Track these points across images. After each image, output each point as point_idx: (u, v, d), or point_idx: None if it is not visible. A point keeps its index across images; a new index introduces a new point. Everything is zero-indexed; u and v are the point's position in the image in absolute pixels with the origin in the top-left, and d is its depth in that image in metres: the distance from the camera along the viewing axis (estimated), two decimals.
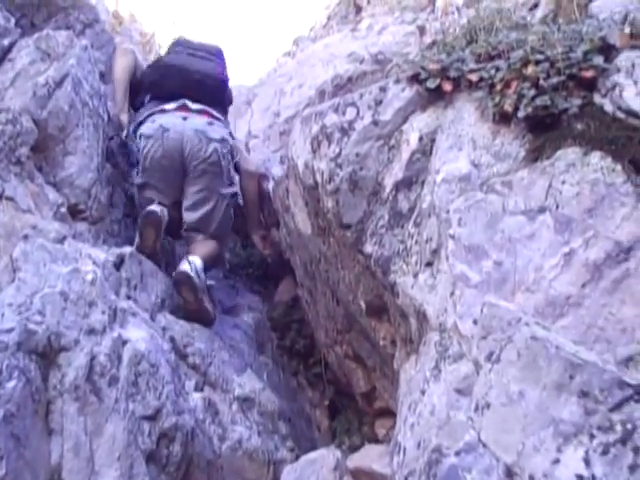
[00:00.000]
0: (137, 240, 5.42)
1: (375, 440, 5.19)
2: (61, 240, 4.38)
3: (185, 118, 5.89)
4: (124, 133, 6.00)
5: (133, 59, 6.35)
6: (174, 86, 6.03)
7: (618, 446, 2.40)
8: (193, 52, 6.32)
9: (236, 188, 6.21)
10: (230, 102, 6.63)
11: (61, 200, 4.88)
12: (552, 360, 2.61)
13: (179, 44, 6.49)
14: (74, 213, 5.04)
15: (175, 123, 5.83)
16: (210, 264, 5.71)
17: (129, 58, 6.33)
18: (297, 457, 4.73)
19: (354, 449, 4.94)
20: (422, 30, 8.08)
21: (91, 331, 3.92)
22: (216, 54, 6.47)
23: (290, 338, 6.16)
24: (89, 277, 4.11)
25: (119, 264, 4.67)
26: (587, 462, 2.42)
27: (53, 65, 5.14)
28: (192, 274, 5.28)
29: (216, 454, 4.40)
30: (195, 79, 6.10)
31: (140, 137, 5.80)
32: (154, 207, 5.44)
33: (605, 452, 2.41)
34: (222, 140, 5.95)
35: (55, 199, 4.83)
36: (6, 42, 5.15)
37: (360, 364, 5.24)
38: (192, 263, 5.36)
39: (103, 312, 4.05)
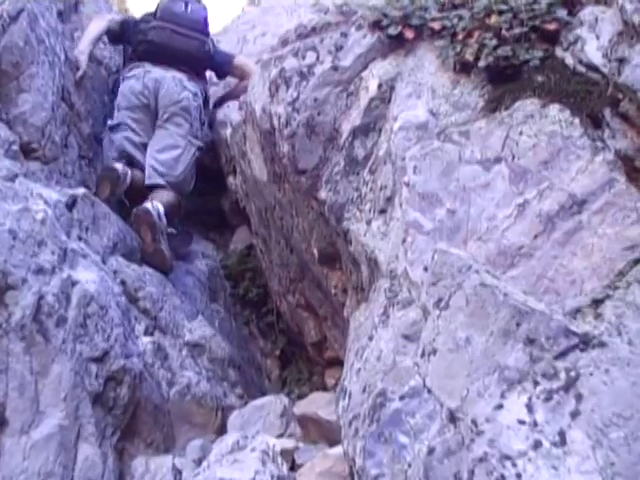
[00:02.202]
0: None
1: (324, 390, 5.20)
2: (12, 178, 4.30)
3: (167, 70, 6.29)
4: (79, 73, 6.06)
5: (107, 25, 6.60)
6: (157, 59, 6.33)
7: (561, 393, 2.41)
8: (176, 28, 6.46)
9: (202, 144, 6.30)
10: (219, 65, 6.84)
11: (13, 138, 4.81)
12: (500, 307, 2.61)
13: (164, 16, 6.55)
14: (27, 152, 4.97)
15: (157, 70, 6.26)
16: (169, 213, 5.73)
17: (104, 23, 6.60)
18: (246, 404, 4.73)
19: (303, 398, 4.95)
20: None
21: (39, 270, 3.87)
22: (200, 28, 6.61)
23: (243, 287, 6.16)
24: (39, 216, 4.05)
25: (71, 205, 4.60)
26: (530, 408, 2.42)
27: None
28: (153, 212, 5.43)
29: (164, 398, 4.37)
30: (177, 56, 6.38)
31: (123, 79, 6.29)
32: (116, 165, 5.57)
33: (548, 399, 2.41)
34: (195, 94, 6.30)
35: (7, 136, 4.75)
36: None
37: (312, 313, 5.24)
38: (154, 205, 5.50)
39: (53, 252, 4.00)
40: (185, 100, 6.19)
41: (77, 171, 5.55)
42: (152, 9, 6.69)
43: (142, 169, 5.97)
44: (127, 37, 6.62)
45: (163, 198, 5.76)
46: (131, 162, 5.95)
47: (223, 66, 6.79)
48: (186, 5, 6.61)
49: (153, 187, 5.89)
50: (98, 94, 6.24)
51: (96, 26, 6.51)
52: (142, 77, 6.21)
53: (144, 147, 6.06)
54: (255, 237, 5.87)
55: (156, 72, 6.25)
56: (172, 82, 6.21)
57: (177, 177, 5.99)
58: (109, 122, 6.13)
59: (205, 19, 6.71)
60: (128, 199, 5.77)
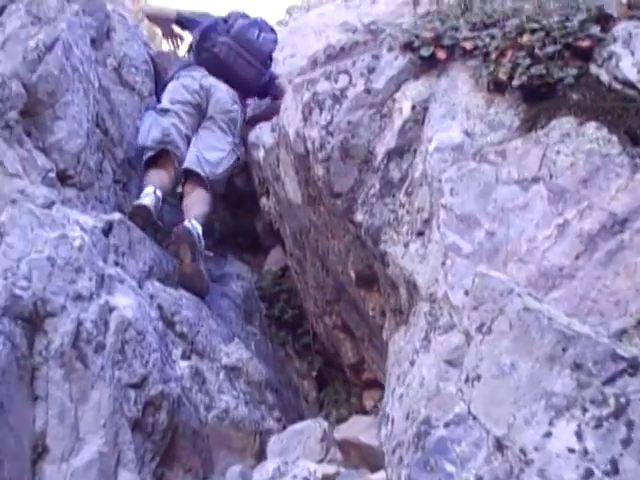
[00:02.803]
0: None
1: (363, 412, 5.18)
2: (49, 205, 4.33)
3: (222, 82, 6.51)
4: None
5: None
6: (216, 72, 6.53)
7: (611, 420, 2.38)
8: (243, 53, 6.65)
9: (240, 155, 6.45)
10: (267, 90, 7.07)
11: (50, 165, 4.83)
12: (545, 332, 2.59)
13: (237, 37, 6.71)
14: (63, 179, 4.98)
15: (214, 78, 6.48)
16: (203, 225, 5.74)
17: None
18: (284, 427, 4.72)
19: (341, 420, 4.92)
20: (416, 1, 8.03)
21: (78, 297, 3.89)
22: (263, 59, 6.79)
23: (279, 308, 6.14)
24: (77, 243, 4.07)
25: (107, 230, 4.62)
26: (579, 436, 2.40)
27: (44, 29, 5.06)
28: (194, 232, 5.44)
29: (202, 423, 4.37)
30: (234, 78, 6.56)
31: (178, 77, 6.52)
32: (145, 201, 5.51)
33: (598, 426, 2.39)
34: (242, 111, 6.62)
35: (44, 164, 4.77)
36: None
37: (349, 335, 5.22)
38: (193, 225, 5.50)
39: (90, 278, 4.02)
40: (235, 112, 6.45)
41: (112, 196, 5.56)
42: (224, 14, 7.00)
43: (181, 158, 6.08)
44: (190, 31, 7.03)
45: (199, 209, 5.83)
46: (169, 149, 6.05)
47: (269, 90, 6.99)
48: (259, 33, 6.79)
49: (190, 174, 6.04)
50: (131, 119, 6.26)
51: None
52: (199, 79, 6.43)
53: (188, 139, 6.21)
54: (290, 258, 5.87)
55: (213, 79, 6.45)
56: (226, 93, 6.44)
57: (216, 175, 6.11)
58: (159, 105, 6.34)
59: (271, 51, 6.92)
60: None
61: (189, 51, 7.01)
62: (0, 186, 4.26)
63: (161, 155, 5.98)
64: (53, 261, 3.89)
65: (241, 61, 6.62)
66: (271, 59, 6.97)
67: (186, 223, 5.51)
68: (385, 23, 7.28)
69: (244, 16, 6.93)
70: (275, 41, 6.98)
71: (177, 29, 7.46)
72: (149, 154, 5.95)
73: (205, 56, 6.62)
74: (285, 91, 6.43)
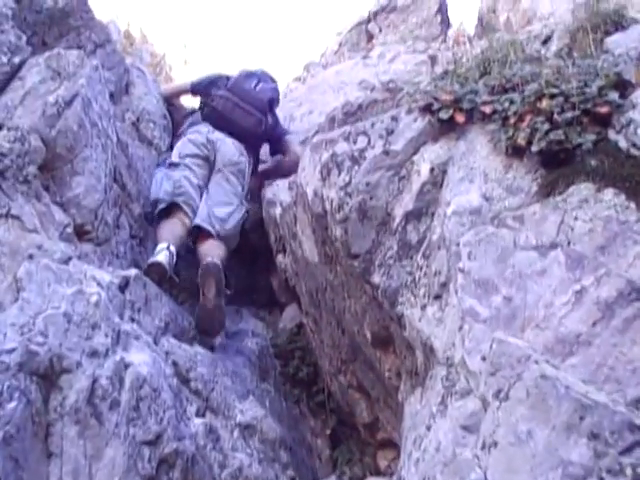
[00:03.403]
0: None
1: (377, 472, 5.15)
2: (66, 261, 4.34)
3: (227, 136, 6.64)
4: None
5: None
6: (218, 125, 6.69)
7: None
8: (240, 102, 6.83)
9: (249, 207, 6.53)
10: (273, 142, 7.22)
11: (67, 220, 4.84)
12: (562, 400, 2.58)
13: (233, 88, 6.94)
14: (80, 234, 4.99)
15: (219, 132, 6.61)
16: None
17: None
18: None
19: None
20: (434, 59, 8.09)
21: (93, 353, 3.88)
22: (261, 107, 6.88)
23: (293, 366, 6.12)
24: (93, 299, 4.07)
25: (124, 286, 4.63)
26: None
27: (63, 84, 5.11)
28: (220, 267, 5.61)
29: None
30: (235, 128, 6.70)
31: (186, 133, 6.66)
32: (158, 259, 5.51)
33: None
34: (249, 162, 6.66)
35: (61, 219, 4.79)
36: (17, 60, 5.12)
37: (364, 394, 5.20)
38: (218, 262, 5.64)
39: (106, 335, 4.01)
40: (242, 164, 6.53)
41: (129, 251, 5.58)
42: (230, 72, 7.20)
43: (195, 208, 6.12)
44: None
45: (217, 252, 5.89)
46: (181, 201, 6.08)
47: (275, 144, 7.10)
48: (257, 83, 6.99)
49: (202, 230, 6.06)
50: (148, 174, 6.29)
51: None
52: (205, 133, 6.55)
53: (200, 189, 6.25)
54: (305, 316, 5.86)
55: (219, 134, 6.58)
56: (232, 145, 6.55)
57: (227, 231, 6.15)
58: (168, 160, 6.39)
59: (271, 100, 7.00)
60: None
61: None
62: (17, 241, 4.27)
63: (173, 208, 6.01)
64: (69, 317, 3.90)
65: (239, 111, 6.76)
66: (272, 107, 7.05)
67: (208, 259, 5.64)
68: (403, 82, 7.37)
69: (246, 71, 7.14)
70: (275, 89, 7.16)
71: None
72: (161, 206, 5.98)
73: (207, 111, 6.82)
74: (292, 148, 6.84)
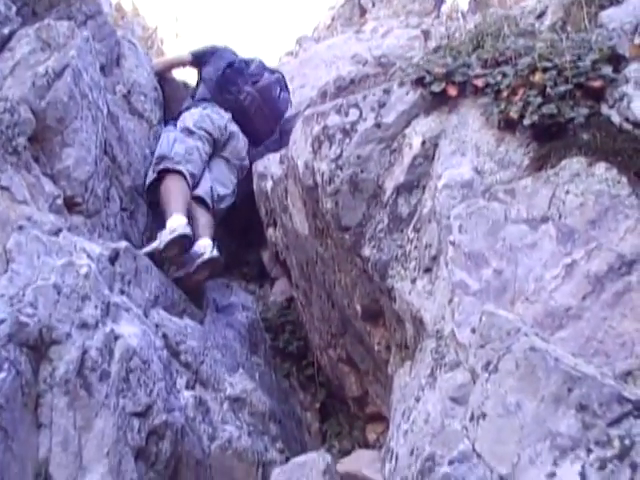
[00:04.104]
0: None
1: (366, 445, 5.17)
2: (56, 232, 4.33)
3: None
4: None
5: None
6: (235, 117, 6.80)
7: (615, 462, 2.37)
8: (264, 108, 6.96)
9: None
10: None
11: (57, 192, 4.83)
12: (551, 372, 2.58)
13: (263, 91, 6.99)
14: (70, 206, 4.98)
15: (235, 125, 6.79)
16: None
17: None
18: (286, 459, 4.70)
19: (344, 453, 4.92)
20: (427, 34, 8.07)
21: (83, 325, 3.87)
22: (278, 117, 7.08)
23: (283, 339, 6.14)
24: (83, 271, 4.06)
25: (114, 258, 4.62)
26: (583, 476, 2.39)
27: (53, 55, 5.08)
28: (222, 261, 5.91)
29: (205, 453, 4.35)
30: (249, 125, 6.85)
31: (205, 107, 6.71)
32: (187, 232, 5.65)
33: (602, 467, 2.38)
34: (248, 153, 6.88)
35: (51, 191, 4.77)
36: (6, 31, 5.10)
37: (353, 368, 5.21)
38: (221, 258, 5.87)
39: (96, 306, 4.00)
40: (246, 162, 6.76)
41: (119, 224, 5.57)
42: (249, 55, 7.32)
43: (195, 180, 6.21)
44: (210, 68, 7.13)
45: (211, 232, 6.06)
46: (186, 170, 6.13)
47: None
48: (280, 92, 7.09)
49: (199, 201, 6.19)
50: (139, 147, 6.27)
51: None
52: (226, 120, 6.66)
53: (204, 165, 6.39)
54: (295, 290, 5.87)
55: (235, 127, 6.72)
56: (244, 144, 6.77)
57: (219, 210, 6.42)
58: (181, 124, 6.50)
59: (285, 111, 7.16)
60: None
61: (199, 83, 7.13)
62: (7, 212, 4.25)
63: (176, 174, 6.05)
64: (59, 288, 3.89)
65: (260, 114, 6.84)
66: (283, 117, 7.13)
67: (216, 253, 5.77)
68: (395, 56, 7.36)
69: (268, 69, 7.19)
70: (289, 101, 7.23)
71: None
72: (168, 165, 6.03)
73: (229, 98, 6.81)
74: None
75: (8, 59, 4.96)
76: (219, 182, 6.43)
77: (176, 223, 5.55)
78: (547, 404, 2.55)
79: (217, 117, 6.60)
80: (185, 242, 5.62)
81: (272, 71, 7.22)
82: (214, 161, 6.51)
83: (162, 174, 6.00)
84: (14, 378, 3.43)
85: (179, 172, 5.98)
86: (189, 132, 6.34)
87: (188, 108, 6.70)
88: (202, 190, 6.14)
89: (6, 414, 3.32)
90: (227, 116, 6.68)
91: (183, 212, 5.70)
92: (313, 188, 4.36)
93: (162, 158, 6.07)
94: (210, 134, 6.47)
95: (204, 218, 6.04)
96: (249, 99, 6.77)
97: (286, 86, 7.26)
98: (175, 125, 6.48)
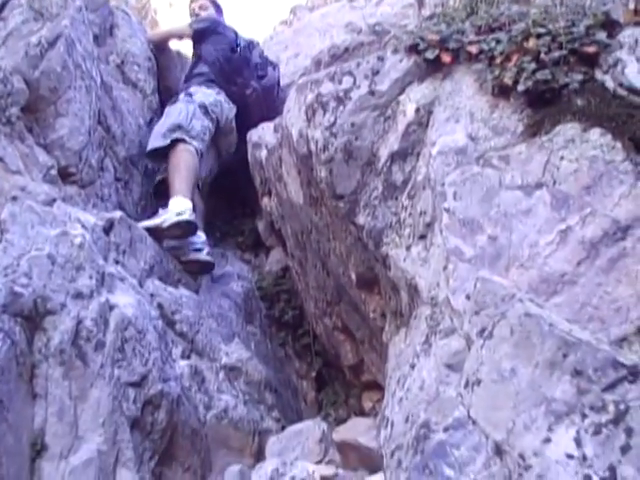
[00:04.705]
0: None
1: (362, 413, 5.19)
2: (50, 202, 4.32)
3: None
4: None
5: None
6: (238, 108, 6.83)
7: (610, 427, 2.37)
8: (262, 105, 6.99)
9: None
10: None
11: (51, 162, 4.83)
12: (546, 338, 2.58)
13: (266, 86, 7.09)
14: (64, 176, 4.98)
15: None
16: None
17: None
18: (282, 428, 4.73)
19: (340, 421, 4.94)
20: (421, 2, 8.01)
21: (78, 295, 3.87)
22: (273, 117, 6.84)
23: (279, 308, 6.16)
24: (77, 241, 4.06)
25: (108, 228, 4.62)
26: (578, 442, 2.39)
27: (46, 25, 5.06)
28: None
29: (201, 422, 4.37)
30: (243, 121, 6.80)
31: (218, 92, 6.70)
32: (193, 216, 5.67)
33: (597, 432, 2.38)
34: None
35: (45, 161, 4.77)
36: None
37: (349, 336, 5.22)
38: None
39: (91, 276, 4.00)
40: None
41: (113, 194, 5.57)
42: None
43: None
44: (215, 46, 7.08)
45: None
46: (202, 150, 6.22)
47: None
48: (278, 88, 7.17)
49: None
50: (133, 117, 6.27)
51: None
52: (233, 114, 6.76)
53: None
54: (291, 259, 5.87)
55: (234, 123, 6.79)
56: (236, 138, 6.81)
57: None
58: (196, 98, 6.45)
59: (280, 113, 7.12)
60: None
61: (199, 59, 7.05)
62: (1, 183, 4.25)
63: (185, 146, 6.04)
64: (53, 259, 3.88)
65: (259, 112, 6.81)
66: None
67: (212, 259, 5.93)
68: (390, 24, 7.30)
69: (269, 61, 7.24)
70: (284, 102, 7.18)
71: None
72: (184, 136, 6.04)
73: (233, 90, 6.81)
74: None
75: (0, 29, 4.93)
76: (207, 167, 6.48)
77: (183, 206, 5.54)
78: (542, 370, 2.55)
79: (227, 107, 6.64)
80: (190, 228, 5.62)
81: (272, 64, 7.21)
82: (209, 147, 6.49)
83: (174, 143, 5.95)
84: (9, 348, 3.44)
85: (192, 147, 5.97)
86: (205, 111, 6.33)
87: (199, 83, 6.65)
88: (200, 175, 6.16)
89: (1, 385, 3.33)
90: (234, 110, 6.71)
91: (190, 195, 5.69)
92: (307, 156, 4.34)
93: (179, 127, 6.03)
94: (218, 121, 6.48)
95: (198, 201, 6.06)
96: (254, 96, 6.80)
97: (279, 82, 7.28)
98: (190, 96, 6.41)
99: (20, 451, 3.41)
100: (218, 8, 7.82)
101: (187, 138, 5.95)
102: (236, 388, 4.82)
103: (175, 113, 6.17)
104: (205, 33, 7.09)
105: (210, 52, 6.89)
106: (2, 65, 4.68)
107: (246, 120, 6.67)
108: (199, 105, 6.28)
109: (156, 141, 5.99)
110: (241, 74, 6.77)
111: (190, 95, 6.40)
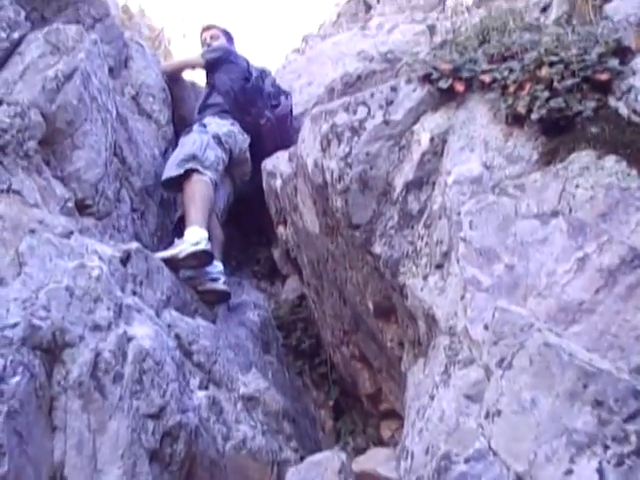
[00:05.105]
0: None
1: (380, 442, 5.17)
2: (67, 235, 4.33)
3: None
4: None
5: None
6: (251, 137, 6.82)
7: (633, 457, 2.37)
8: (276, 135, 6.99)
9: None
10: None
11: (68, 195, 4.84)
12: (565, 368, 2.58)
13: (281, 117, 7.10)
14: (81, 208, 5.00)
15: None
16: None
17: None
18: (301, 458, 4.71)
19: (359, 451, 4.92)
20: (432, 29, 8.06)
21: (96, 327, 3.88)
22: (287, 146, 6.80)
23: (296, 337, 6.15)
24: (95, 273, 4.07)
25: (125, 260, 4.63)
26: (601, 473, 2.39)
27: (62, 59, 5.09)
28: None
29: (220, 453, 4.35)
30: (257, 150, 6.78)
31: (233, 123, 6.70)
32: (209, 246, 5.66)
33: (619, 463, 2.38)
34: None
35: (62, 193, 4.79)
36: (16, 35, 5.11)
37: (366, 365, 5.21)
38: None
39: (108, 308, 4.01)
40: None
41: (130, 225, 5.59)
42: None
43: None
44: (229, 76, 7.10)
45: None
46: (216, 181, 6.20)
47: None
48: (291, 121, 7.14)
49: None
50: (148, 148, 6.30)
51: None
52: (247, 146, 6.74)
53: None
54: (307, 288, 5.87)
55: (248, 153, 6.77)
56: (251, 167, 6.77)
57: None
58: (209, 129, 6.45)
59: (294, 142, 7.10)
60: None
61: (212, 89, 7.08)
62: (19, 216, 4.26)
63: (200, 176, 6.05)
64: (71, 291, 3.89)
65: (273, 142, 6.84)
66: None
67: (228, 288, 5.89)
68: (401, 52, 7.36)
69: (281, 90, 7.23)
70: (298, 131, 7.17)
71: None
72: (198, 167, 6.03)
73: (248, 120, 6.82)
74: None
75: (18, 63, 4.96)
76: (223, 197, 6.49)
77: (199, 236, 5.54)
78: (562, 400, 2.56)
79: (241, 138, 6.64)
80: (206, 257, 5.61)
81: (285, 93, 7.22)
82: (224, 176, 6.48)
83: (188, 173, 5.98)
84: (28, 382, 3.44)
85: (206, 177, 5.99)
86: (219, 141, 6.33)
87: (214, 114, 6.67)
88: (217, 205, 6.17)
89: (21, 418, 3.33)
90: (248, 140, 6.71)
91: (206, 225, 5.71)
92: (323, 186, 4.36)
93: (193, 157, 6.04)
94: (232, 151, 6.48)
95: (217, 230, 6.07)
96: (268, 125, 6.81)
97: (292, 111, 7.27)
98: (204, 127, 6.44)
99: None
100: (229, 37, 7.87)
101: (201, 168, 5.97)
102: (254, 418, 4.81)
103: (189, 143, 6.18)
104: (217, 63, 7.13)
105: (223, 82, 6.92)
106: (20, 99, 4.71)
107: (260, 149, 6.68)
108: (213, 135, 6.29)
109: (170, 171, 6.01)
110: (255, 104, 6.79)
111: (204, 126, 6.42)
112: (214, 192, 6.06)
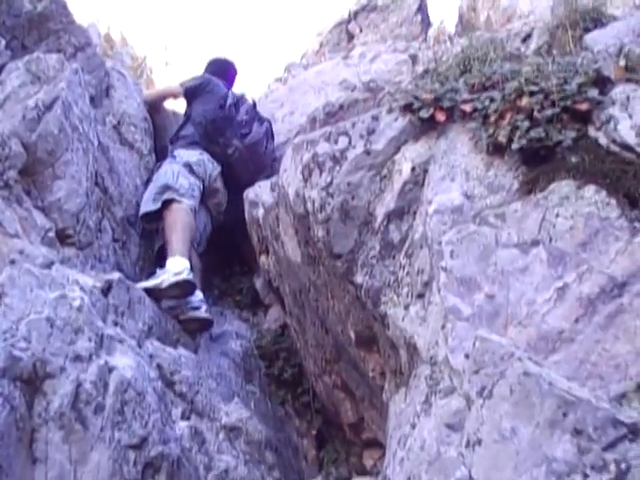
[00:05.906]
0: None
1: (363, 471, 5.16)
2: (48, 265, 4.32)
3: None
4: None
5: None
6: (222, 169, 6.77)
7: None
8: (248, 163, 6.88)
9: None
10: None
11: (49, 225, 4.83)
12: (545, 397, 2.58)
13: (250, 148, 6.93)
14: (62, 238, 4.98)
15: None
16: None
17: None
18: None
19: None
20: (414, 59, 8.10)
21: (77, 358, 3.86)
22: (262, 171, 6.89)
23: (278, 367, 6.12)
24: (76, 303, 4.05)
25: (106, 290, 4.61)
26: None
27: (43, 88, 5.10)
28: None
29: None
30: (231, 179, 6.80)
31: (202, 152, 6.66)
32: (193, 277, 5.68)
33: None
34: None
35: (43, 224, 4.78)
36: None
37: (348, 394, 5.20)
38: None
39: (89, 339, 3.99)
40: (222, 217, 6.80)
41: (111, 255, 5.57)
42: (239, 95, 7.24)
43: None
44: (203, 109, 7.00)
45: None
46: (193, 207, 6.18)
47: None
48: (267, 143, 7.07)
49: None
50: (130, 177, 6.28)
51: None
52: (218, 173, 6.69)
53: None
54: (289, 317, 5.86)
55: (221, 182, 6.74)
56: (225, 197, 6.79)
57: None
58: (181, 159, 6.45)
59: (270, 165, 7.02)
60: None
61: (188, 119, 7.07)
62: None
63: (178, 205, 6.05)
64: (52, 322, 3.87)
65: (246, 170, 6.79)
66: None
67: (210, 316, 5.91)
68: (384, 81, 7.39)
69: (257, 116, 7.12)
70: (275, 151, 7.14)
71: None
72: (174, 196, 6.03)
73: (216, 150, 6.75)
74: None
75: None
76: (201, 224, 6.46)
77: (181, 266, 5.54)
78: (542, 429, 2.56)
79: (211, 167, 6.61)
80: (189, 287, 5.61)
81: (261, 119, 7.12)
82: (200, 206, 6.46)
83: (166, 204, 5.98)
84: (9, 413, 3.42)
85: (184, 205, 5.99)
86: (191, 169, 6.33)
87: (183, 146, 6.67)
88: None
89: (1, 450, 3.31)
90: (218, 169, 6.68)
91: (188, 254, 5.72)
92: (304, 216, 4.36)
93: (167, 187, 6.04)
94: (202, 180, 6.45)
95: (195, 259, 6.07)
96: (236, 154, 6.72)
97: (272, 135, 7.22)
98: (174, 158, 6.45)
99: None
100: (230, 69, 7.89)
101: (177, 197, 5.97)
102: (236, 448, 4.79)
103: (162, 175, 6.20)
104: (196, 91, 7.12)
105: (198, 112, 6.91)
106: (0, 129, 4.71)
107: (234, 179, 6.67)
108: (184, 164, 6.30)
109: (147, 206, 6.01)
110: (223, 134, 6.74)
111: (174, 157, 6.44)
112: (195, 216, 6.08)
